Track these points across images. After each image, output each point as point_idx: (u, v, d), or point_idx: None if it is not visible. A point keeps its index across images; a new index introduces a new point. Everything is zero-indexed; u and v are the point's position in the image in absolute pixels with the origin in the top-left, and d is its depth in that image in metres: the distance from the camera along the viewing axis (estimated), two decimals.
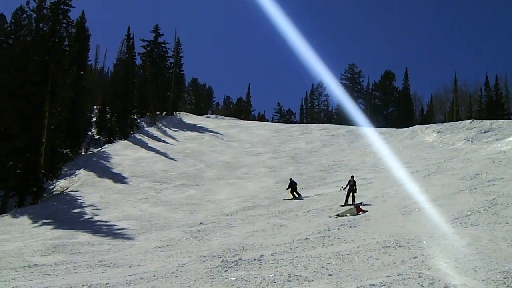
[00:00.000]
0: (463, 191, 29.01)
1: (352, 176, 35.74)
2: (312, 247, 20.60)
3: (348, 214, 29.65)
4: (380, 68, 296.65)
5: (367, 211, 29.92)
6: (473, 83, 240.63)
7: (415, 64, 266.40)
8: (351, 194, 34.17)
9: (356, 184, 34.99)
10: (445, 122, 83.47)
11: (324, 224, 27.88)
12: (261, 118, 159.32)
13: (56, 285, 16.21)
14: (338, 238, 22.11)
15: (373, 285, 11.96)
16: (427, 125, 74.32)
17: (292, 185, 41.70)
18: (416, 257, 15.10)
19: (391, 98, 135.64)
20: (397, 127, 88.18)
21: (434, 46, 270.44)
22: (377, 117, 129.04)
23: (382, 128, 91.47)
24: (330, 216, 31.16)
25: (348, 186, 34.68)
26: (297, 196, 41.01)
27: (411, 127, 77.03)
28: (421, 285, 11.46)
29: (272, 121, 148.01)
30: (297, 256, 18.15)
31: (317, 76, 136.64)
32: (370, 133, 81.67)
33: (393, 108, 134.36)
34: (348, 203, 33.36)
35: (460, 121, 69.58)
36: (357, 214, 29.45)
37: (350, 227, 25.24)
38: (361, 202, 32.81)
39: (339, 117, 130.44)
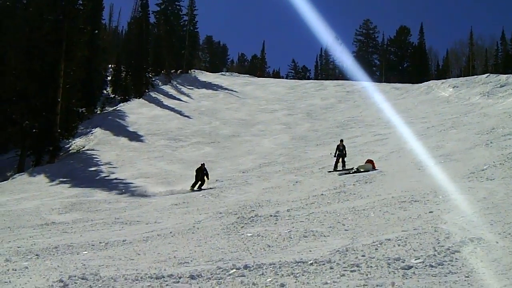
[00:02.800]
0: (479, 146, 28.92)
1: (341, 141, 34.70)
2: (327, 202, 20.63)
3: (362, 170, 29.64)
4: (395, 23, 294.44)
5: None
6: (489, 37, 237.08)
7: (431, 19, 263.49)
8: (340, 159, 33.12)
9: (346, 148, 33.89)
10: (461, 77, 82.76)
11: (339, 180, 27.92)
12: (276, 75, 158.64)
13: (74, 242, 16.33)
14: (354, 194, 22.14)
15: (389, 239, 11.95)
16: (443, 80, 73.83)
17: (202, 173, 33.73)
18: (432, 212, 15.07)
19: (407, 53, 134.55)
20: (413, 83, 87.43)
21: (449, 0, 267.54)
22: (392, 73, 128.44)
23: (398, 84, 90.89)
24: (329, 171, 31.33)
25: (337, 151, 33.46)
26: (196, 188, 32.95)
27: (426, 82, 76.56)
28: (437, 239, 11.44)
29: (287, 78, 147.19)
30: (313, 212, 18.18)
31: (331, 33, 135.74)
32: (386, 88, 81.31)
33: (409, 64, 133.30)
34: (338, 169, 32.49)
35: (476, 76, 68.96)
36: (373, 169, 29.41)
37: (366, 182, 25.26)
38: (352, 168, 31.57)
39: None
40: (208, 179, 33.59)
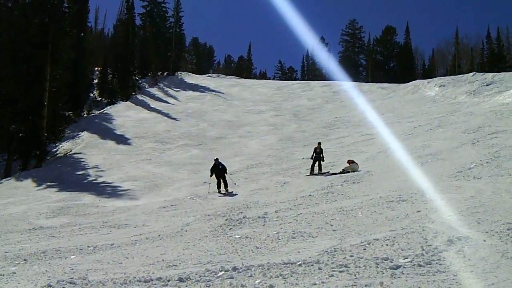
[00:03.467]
0: (465, 145, 29.07)
1: (319, 143, 33.93)
2: (315, 203, 20.69)
3: (350, 171, 29.70)
4: (381, 23, 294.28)
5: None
6: (474, 36, 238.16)
7: (416, 19, 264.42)
8: (317, 163, 32.57)
9: (323, 152, 33.12)
10: (447, 76, 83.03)
11: (327, 180, 28.01)
12: (263, 76, 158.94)
13: (62, 246, 16.31)
14: (342, 194, 22.21)
15: (377, 239, 12.00)
16: (429, 80, 74.16)
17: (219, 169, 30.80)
18: (419, 211, 15.14)
19: (393, 53, 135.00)
20: (399, 82, 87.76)
21: (434, 0, 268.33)
22: (379, 72, 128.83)
23: (384, 83, 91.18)
24: (307, 175, 31.25)
25: (314, 154, 32.87)
26: (223, 191, 29.99)
27: (413, 82, 76.89)
28: (424, 239, 11.50)
29: (273, 79, 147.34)
30: (301, 213, 18.24)
31: (317, 33, 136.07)
32: (372, 88, 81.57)
33: (395, 63, 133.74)
34: (314, 172, 32.03)
35: (462, 75, 69.29)
36: (358, 170, 29.44)
37: (354, 182, 25.33)
38: (328, 172, 31.70)
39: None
40: (226, 173, 30.87)
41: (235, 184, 31.03)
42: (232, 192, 29.55)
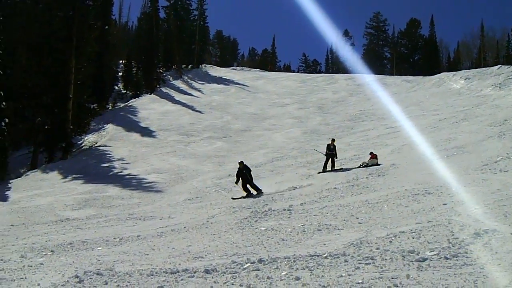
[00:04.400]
0: (491, 138, 28.83)
1: (333, 140, 32.99)
2: (341, 196, 20.63)
3: (369, 164, 29.59)
4: (405, 16, 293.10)
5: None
6: (500, 29, 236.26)
7: (441, 11, 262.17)
8: (330, 160, 31.55)
9: (336, 148, 32.16)
10: (472, 69, 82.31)
11: (352, 173, 27.89)
12: (287, 69, 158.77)
13: (88, 238, 16.41)
14: (367, 187, 22.11)
15: (403, 232, 11.95)
16: (454, 72, 73.57)
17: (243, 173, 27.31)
18: (445, 204, 15.05)
19: (417, 46, 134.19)
20: (424, 75, 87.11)
21: None
22: (403, 65, 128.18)
23: (409, 76, 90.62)
24: (320, 172, 30.91)
25: (328, 150, 31.87)
26: (254, 192, 26.64)
27: (438, 75, 76.30)
28: (451, 231, 11.43)
29: (298, 72, 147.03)
30: (326, 206, 18.19)
31: (341, 27, 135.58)
32: (397, 81, 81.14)
33: (420, 56, 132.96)
34: (327, 169, 31.19)
35: (487, 68, 68.70)
36: (378, 164, 29.31)
37: (379, 175, 25.20)
38: (341, 168, 31.05)
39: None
40: (251, 178, 27.04)
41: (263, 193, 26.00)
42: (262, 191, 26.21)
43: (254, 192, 26.47)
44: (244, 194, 26.44)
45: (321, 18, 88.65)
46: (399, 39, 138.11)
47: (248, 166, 28.25)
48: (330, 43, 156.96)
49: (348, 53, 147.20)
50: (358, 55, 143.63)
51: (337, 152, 32.05)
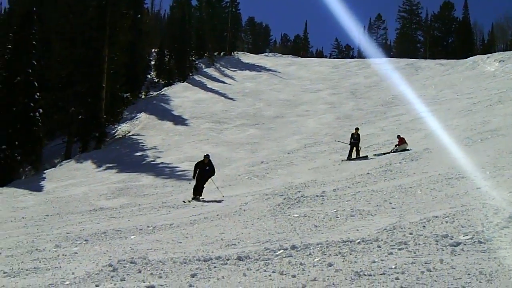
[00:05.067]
0: None
1: (357, 129, 32.81)
2: (374, 181, 20.55)
3: (399, 150, 29.47)
4: None
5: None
6: None
7: None
8: (354, 148, 31.42)
9: (360, 137, 32.05)
10: (507, 51, 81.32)
11: (385, 158, 27.77)
12: (319, 55, 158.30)
13: (122, 227, 16.49)
14: (400, 172, 22.01)
15: (436, 216, 11.87)
16: (488, 55, 72.63)
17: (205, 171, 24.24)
18: (479, 188, 14.92)
19: (451, 28, 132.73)
20: (458, 58, 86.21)
21: None
22: (437, 49, 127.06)
23: (443, 60, 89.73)
24: (343, 160, 30.66)
25: (352, 139, 31.75)
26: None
27: (472, 58, 75.37)
28: (485, 215, 11.33)
29: (330, 57, 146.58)
30: (359, 191, 18.12)
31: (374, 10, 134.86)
32: (431, 65, 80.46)
33: (453, 39, 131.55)
34: (352, 158, 31.07)
35: None
36: (407, 149, 29.18)
37: (412, 160, 25.06)
38: (366, 156, 30.85)
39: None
40: (209, 178, 24.11)
41: (223, 196, 23.34)
42: (204, 199, 23.19)
43: (199, 198, 23.31)
44: (191, 196, 23.51)
45: (353, 3, 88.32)
46: (432, 23, 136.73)
47: (213, 163, 24.79)
48: (362, 27, 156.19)
49: (382, 36, 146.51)
50: (391, 39, 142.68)
51: (360, 141, 31.86)
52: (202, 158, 24.47)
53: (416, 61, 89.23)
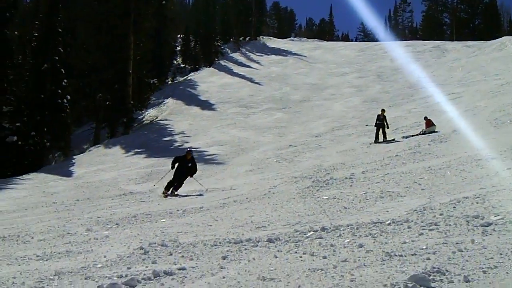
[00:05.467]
0: None
1: (383, 110, 32.43)
2: (403, 163, 20.50)
3: (427, 132, 29.36)
4: None
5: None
6: None
7: None
8: (381, 130, 30.97)
9: (387, 118, 31.63)
10: None
11: (414, 140, 27.67)
12: (345, 39, 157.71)
13: (151, 210, 16.60)
14: (429, 153, 21.93)
15: (467, 197, 11.83)
16: None
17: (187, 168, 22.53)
18: (510, 168, 14.85)
19: (477, 10, 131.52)
20: (485, 40, 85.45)
21: None
22: (463, 31, 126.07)
23: (469, 41, 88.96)
24: (371, 143, 30.42)
25: (378, 121, 31.29)
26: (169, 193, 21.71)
27: (499, 39, 74.60)
28: None
29: (356, 41, 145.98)
30: (388, 173, 18.10)
31: None
32: (457, 47, 79.83)
33: (480, 21, 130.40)
34: (379, 140, 30.63)
35: None
36: (436, 131, 29.05)
37: (441, 141, 24.99)
38: (394, 139, 30.29)
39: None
40: (191, 176, 22.47)
41: (206, 190, 21.92)
42: (178, 195, 21.46)
43: (169, 193, 21.58)
44: (164, 192, 21.69)
45: None
46: (459, 4, 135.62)
47: (196, 164, 22.93)
48: (388, 10, 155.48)
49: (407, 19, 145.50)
50: (417, 21, 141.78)
51: (387, 123, 31.50)
52: (184, 153, 22.82)
53: (443, 43, 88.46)
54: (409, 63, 70.39)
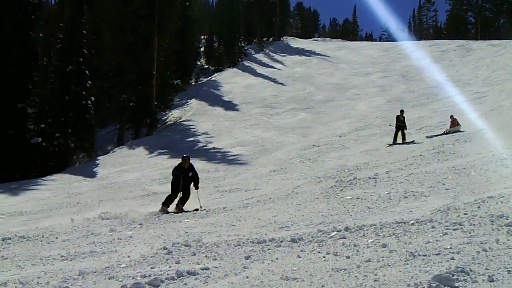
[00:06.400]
0: None
1: (402, 111, 32.08)
2: (427, 163, 20.40)
3: (451, 132, 29.24)
4: None
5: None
6: None
7: None
8: (400, 132, 30.66)
9: (405, 120, 31.27)
10: None
11: (438, 140, 27.55)
12: (369, 38, 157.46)
13: (175, 211, 16.66)
14: (453, 153, 21.82)
15: (491, 197, 11.75)
16: None
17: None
18: None
19: (502, 9, 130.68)
20: (510, 39, 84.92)
21: None
22: (488, 29, 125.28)
23: (494, 40, 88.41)
24: (390, 145, 30.17)
25: (397, 122, 30.93)
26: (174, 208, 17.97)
27: None
28: None
29: (380, 41, 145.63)
30: (412, 173, 18.02)
31: None
32: (482, 46, 79.37)
33: (505, 20, 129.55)
34: (397, 142, 30.33)
35: None
36: (460, 131, 28.94)
37: (465, 141, 24.86)
38: (413, 141, 29.90)
39: None
40: (196, 188, 18.31)
41: (206, 211, 16.68)
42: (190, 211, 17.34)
43: (174, 209, 17.92)
44: (163, 208, 17.78)
45: None
46: (483, 3, 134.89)
47: (196, 171, 18.93)
48: (412, 10, 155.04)
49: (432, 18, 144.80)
50: (441, 20, 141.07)
51: (406, 124, 31.15)
52: (180, 161, 18.81)
53: (467, 42, 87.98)
54: (433, 63, 70.14)
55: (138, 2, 51.03)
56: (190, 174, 18.28)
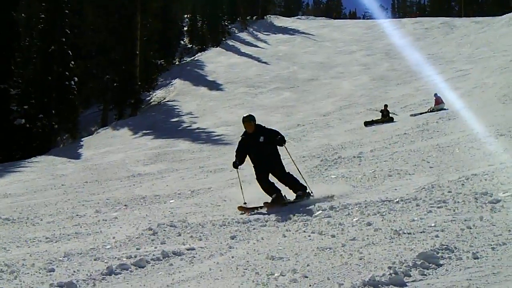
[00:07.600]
0: None
1: (386, 106, 31.93)
2: (411, 141, 20.45)
3: (435, 110, 29.34)
4: None
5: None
6: None
7: None
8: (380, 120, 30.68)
9: (390, 113, 31.13)
10: None
11: (422, 118, 27.62)
12: (353, 16, 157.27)
13: (160, 192, 16.66)
14: (437, 131, 21.87)
15: (475, 174, 11.78)
16: None
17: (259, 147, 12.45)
18: None
19: None
20: (493, 16, 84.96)
21: None
22: (472, 6, 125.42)
23: (478, 17, 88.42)
24: (366, 124, 30.19)
25: (382, 116, 31.06)
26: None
27: (508, 14, 73.99)
28: None
29: (363, 19, 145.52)
30: (396, 151, 18.05)
31: None
32: (466, 23, 79.41)
33: None
34: (370, 121, 30.50)
35: None
36: (444, 109, 29.05)
37: (449, 119, 24.92)
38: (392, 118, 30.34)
39: None
40: (282, 144, 12.83)
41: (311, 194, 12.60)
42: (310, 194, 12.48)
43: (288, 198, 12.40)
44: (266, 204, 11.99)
45: None
46: None
47: (272, 129, 13.29)
48: None
49: None
50: None
51: (390, 115, 31.09)
52: (244, 128, 12.85)
53: (451, 19, 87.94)
54: (417, 40, 70.14)
55: None
56: (261, 139, 12.42)
